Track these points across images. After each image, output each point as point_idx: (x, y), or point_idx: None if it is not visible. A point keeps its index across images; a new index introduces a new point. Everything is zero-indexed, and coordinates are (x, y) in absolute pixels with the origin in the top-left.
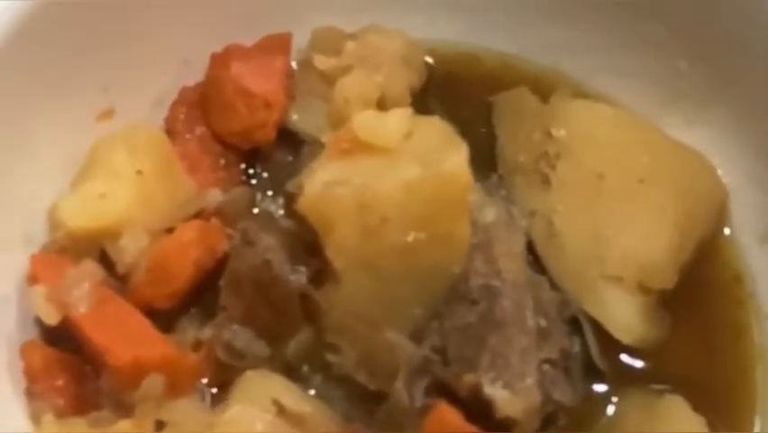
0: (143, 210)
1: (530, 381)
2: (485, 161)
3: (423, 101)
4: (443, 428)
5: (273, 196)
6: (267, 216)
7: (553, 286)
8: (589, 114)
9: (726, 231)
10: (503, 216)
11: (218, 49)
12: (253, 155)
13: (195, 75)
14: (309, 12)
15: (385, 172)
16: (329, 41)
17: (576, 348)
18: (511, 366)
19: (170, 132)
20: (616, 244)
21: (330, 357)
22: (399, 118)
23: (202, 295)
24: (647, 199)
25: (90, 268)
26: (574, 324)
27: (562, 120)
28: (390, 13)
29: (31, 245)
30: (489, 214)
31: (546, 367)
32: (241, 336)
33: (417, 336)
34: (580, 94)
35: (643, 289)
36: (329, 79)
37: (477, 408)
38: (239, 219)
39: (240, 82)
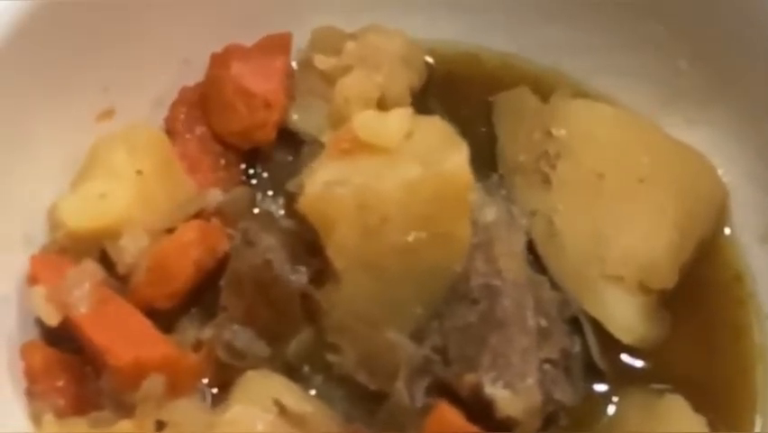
0: (143, 210)
1: (531, 380)
2: (485, 160)
3: (423, 101)
4: (443, 427)
5: (273, 196)
6: (267, 216)
7: (554, 286)
8: (589, 113)
9: (727, 231)
10: (503, 215)
11: (218, 49)
12: (253, 155)
13: (195, 75)
14: (309, 12)
15: (385, 172)
16: (329, 41)
17: (576, 348)
18: (512, 366)
19: (170, 132)
20: (616, 243)
21: (331, 357)
22: (400, 118)
23: (202, 295)
24: (647, 199)
25: (90, 268)
26: (575, 324)
27: (563, 120)
28: (390, 13)
29: (31, 245)
30: (490, 213)
31: (547, 367)
32: (241, 337)
33: (418, 336)
34: (581, 94)
35: (643, 288)
36: (329, 79)
37: (478, 408)
38: (239, 219)
39: (240, 82)
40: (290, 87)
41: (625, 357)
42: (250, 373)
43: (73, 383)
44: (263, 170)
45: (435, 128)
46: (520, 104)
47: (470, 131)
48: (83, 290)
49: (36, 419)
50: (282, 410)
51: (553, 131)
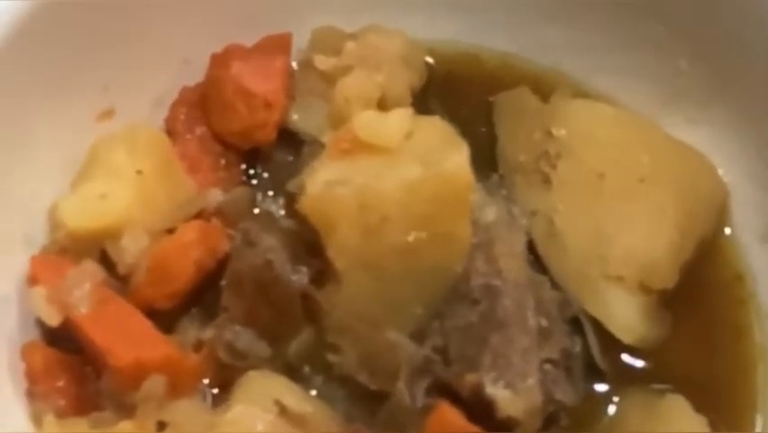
0: (144, 210)
1: (532, 381)
2: (485, 160)
3: (423, 101)
4: (444, 428)
5: (274, 196)
6: (268, 217)
7: (554, 286)
8: (589, 113)
9: (727, 230)
10: (504, 215)
11: (218, 49)
12: (254, 155)
13: (195, 75)
14: (309, 12)
15: (386, 172)
16: (329, 41)
17: (577, 348)
18: (513, 366)
19: (170, 132)
20: (616, 243)
21: (331, 357)
22: (400, 118)
23: (203, 295)
24: (648, 199)
25: (91, 268)
26: (575, 324)
27: (563, 120)
28: (390, 13)
29: (31, 246)
30: (490, 213)
31: (548, 367)
32: (242, 337)
33: (419, 336)
34: (581, 94)
35: (644, 288)
36: (329, 79)
37: (478, 408)
38: (240, 219)
39: (240, 82)
40: (290, 87)
41: (625, 357)
42: (250, 374)
43: (74, 384)
44: (263, 171)
45: (436, 128)
46: (520, 104)
47: (470, 131)
48: (83, 290)
49: (37, 419)
50: (283, 411)
51: (554, 131)
